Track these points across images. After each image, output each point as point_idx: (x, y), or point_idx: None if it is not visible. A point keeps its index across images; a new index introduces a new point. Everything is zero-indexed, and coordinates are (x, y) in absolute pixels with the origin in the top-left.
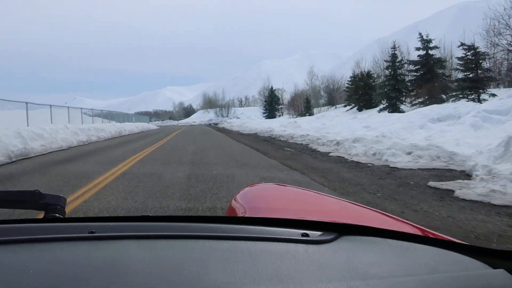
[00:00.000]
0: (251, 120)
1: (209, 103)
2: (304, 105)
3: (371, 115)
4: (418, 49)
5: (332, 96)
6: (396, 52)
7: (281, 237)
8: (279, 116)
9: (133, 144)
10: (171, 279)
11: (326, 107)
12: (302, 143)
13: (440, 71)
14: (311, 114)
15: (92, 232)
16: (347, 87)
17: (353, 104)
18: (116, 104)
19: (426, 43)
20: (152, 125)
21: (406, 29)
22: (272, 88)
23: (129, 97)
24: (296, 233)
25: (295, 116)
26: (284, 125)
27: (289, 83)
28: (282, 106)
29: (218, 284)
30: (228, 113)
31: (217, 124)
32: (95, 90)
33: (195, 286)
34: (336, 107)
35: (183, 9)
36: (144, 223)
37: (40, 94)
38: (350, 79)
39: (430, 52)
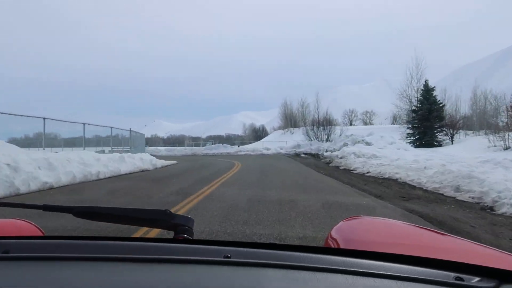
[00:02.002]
0: (405, 150)
1: (292, 120)
2: None
3: None
4: None
5: None
6: None
7: (432, 279)
8: (441, 142)
9: None
10: None
11: None
12: None
13: None
14: None
15: (227, 257)
16: None
17: None
18: (191, 127)
19: None
20: (148, 161)
21: (494, 56)
22: (427, 84)
23: (204, 121)
24: (446, 275)
25: None
26: None
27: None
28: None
29: None
30: (329, 135)
31: (323, 158)
32: (173, 113)
33: None
34: None
35: (261, 41)
36: (280, 251)
37: (122, 116)
38: None
39: None
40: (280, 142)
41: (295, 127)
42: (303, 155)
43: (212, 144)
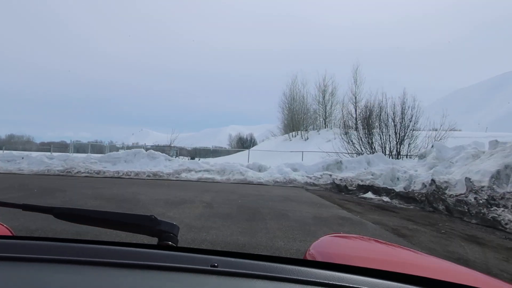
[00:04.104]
0: None
1: (306, 119)
2: None
3: None
4: None
5: None
6: None
7: None
8: None
9: None
10: None
11: None
12: None
13: None
14: None
15: (214, 266)
16: None
17: None
18: (179, 139)
19: None
20: None
21: (491, 81)
22: None
23: (192, 133)
24: None
25: None
26: None
27: None
28: None
29: None
30: (402, 143)
31: None
32: (162, 123)
33: None
34: None
35: (255, 55)
36: (267, 263)
37: (110, 125)
38: None
39: None
40: (288, 154)
41: (306, 130)
42: (398, 203)
43: (126, 150)
